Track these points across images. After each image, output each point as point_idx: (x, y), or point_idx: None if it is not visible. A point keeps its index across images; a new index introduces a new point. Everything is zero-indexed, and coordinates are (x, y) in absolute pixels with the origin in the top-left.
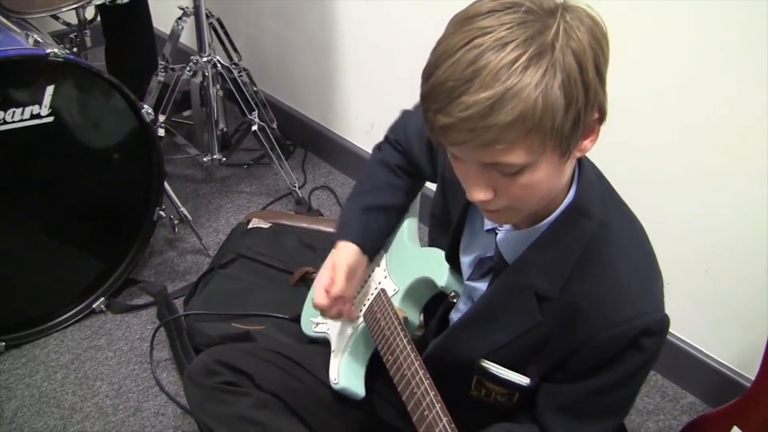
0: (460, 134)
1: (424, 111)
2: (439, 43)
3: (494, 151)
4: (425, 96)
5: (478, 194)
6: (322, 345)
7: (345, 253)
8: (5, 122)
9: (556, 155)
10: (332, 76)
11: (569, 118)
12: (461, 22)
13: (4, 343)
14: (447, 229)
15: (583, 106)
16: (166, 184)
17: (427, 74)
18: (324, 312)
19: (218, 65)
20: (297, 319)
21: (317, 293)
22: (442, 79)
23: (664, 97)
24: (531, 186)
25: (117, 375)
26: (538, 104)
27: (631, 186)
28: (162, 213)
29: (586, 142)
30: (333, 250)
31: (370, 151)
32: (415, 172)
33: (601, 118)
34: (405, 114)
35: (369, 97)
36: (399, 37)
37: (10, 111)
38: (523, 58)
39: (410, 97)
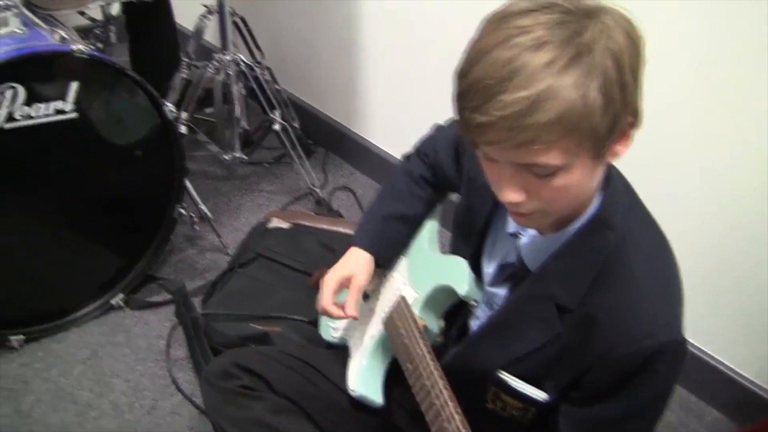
0: (497, 133)
1: (459, 109)
2: (475, 41)
3: (531, 152)
4: (461, 94)
5: (511, 195)
6: (341, 350)
7: (362, 267)
8: (30, 117)
9: (590, 158)
10: (355, 76)
11: (606, 120)
12: (498, 21)
13: (23, 336)
14: (470, 236)
15: (620, 108)
16: (186, 182)
17: (463, 72)
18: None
19: (241, 64)
20: (315, 322)
21: (327, 301)
22: (478, 77)
23: (682, 105)
24: (564, 189)
25: (134, 372)
26: (576, 105)
27: (653, 194)
28: (182, 210)
29: (620, 147)
30: (349, 255)
31: (391, 152)
32: (440, 184)
33: (635, 122)
34: (436, 128)
35: (392, 98)
36: (423, 37)
37: (35, 106)
38: (562, 58)
39: (434, 98)
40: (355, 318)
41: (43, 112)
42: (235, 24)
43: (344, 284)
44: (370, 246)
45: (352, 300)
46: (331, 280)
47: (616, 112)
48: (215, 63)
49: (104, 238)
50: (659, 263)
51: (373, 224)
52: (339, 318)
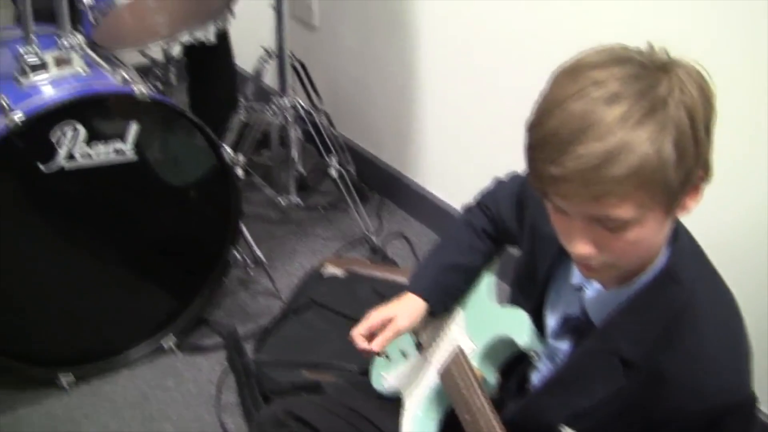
0: (570, 185)
1: (531, 161)
2: (547, 93)
3: (604, 205)
4: (534, 145)
5: (581, 248)
6: (393, 400)
7: (409, 311)
8: (89, 157)
9: (661, 212)
10: (411, 122)
11: (679, 174)
12: (571, 73)
13: (73, 376)
14: (530, 289)
15: (692, 162)
16: (241, 225)
17: (535, 124)
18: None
19: (300, 109)
20: (366, 372)
21: (357, 329)
22: (553, 130)
23: None
24: (635, 242)
25: (183, 418)
26: (651, 159)
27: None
28: (237, 254)
29: (690, 201)
30: (401, 299)
31: (446, 200)
32: (500, 237)
33: (706, 176)
34: (497, 182)
35: (448, 145)
36: (481, 84)
37: (95, 146)
38: (636, 112)
39: (491, 146)
40: (375, 353)
41: (103, 153)
42: (294, 68)
43: (386, 323)
44: (424, 293)
45: (383, 337)
46: (375, 314)
47: (689, 167)
48: (273, 107)
49: (158, 278)
50: (726, 317)
51: (431, 272)
52: (363, 350)
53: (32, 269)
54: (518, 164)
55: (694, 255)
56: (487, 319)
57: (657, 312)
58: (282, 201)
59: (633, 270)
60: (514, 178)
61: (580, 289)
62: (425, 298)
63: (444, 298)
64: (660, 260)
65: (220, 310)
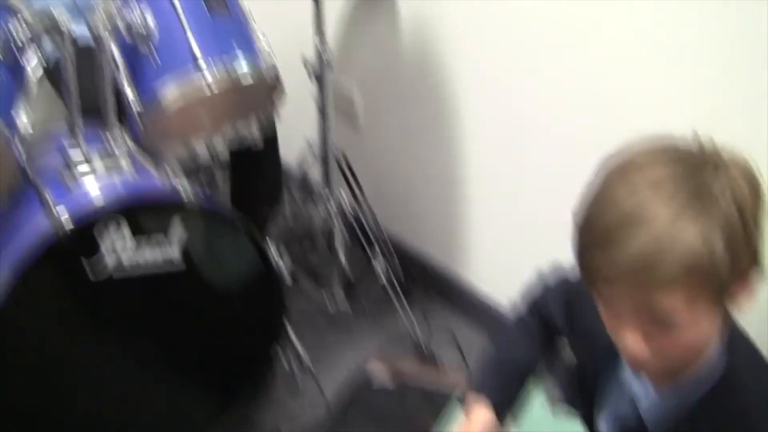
0: (621, 282)
1: (581, 258)
2: (597, 191)
3: (655, 301)
4: (585, 244)
5: (632, 344)
6: None
7: (481, 421)
8: (139, 266)
9: (712, 306)
10: (458, 219)
11: (729, 268)
12: (621, 170)
13: None
14: (582, 394)
15: (742, 256)
16: (288, 329)
17: (585, 221)
18: None
19: (344, 206)
20: None
21: None
22: (602, 228)
23: None
24: (685, 336)
25: None
26: (703, 256)
27: None
28: (283, 359)
29: (741, 292)
30: (470, 414)
31: (495, 297)
32: (550, 333)
33: (757, 268)
34: (543, 280)
35: (496, 240)
36: (529, 179)
37: (143, 254)
38: (688, 208)
39: (541, 240)
40: None
41: (151, 260)
42: (337, 163)
43: None
44: (490, 400)
45: None
46: None
47: (739, 260)
48: (320, 206)
49: (202, 384)
50: None
51: (491, 378)
52: None
53: (74, 376)
54: (570, 260)
55: (750, 358)
56: (538, 427)
57: (715, 422)
58: (329, 303)
59: (685, 364)
60: (561, 276)
61: (632, 392)
62: (494, 406)
63: (509, 403)
64: (714, 361)
65: (266, 416)
